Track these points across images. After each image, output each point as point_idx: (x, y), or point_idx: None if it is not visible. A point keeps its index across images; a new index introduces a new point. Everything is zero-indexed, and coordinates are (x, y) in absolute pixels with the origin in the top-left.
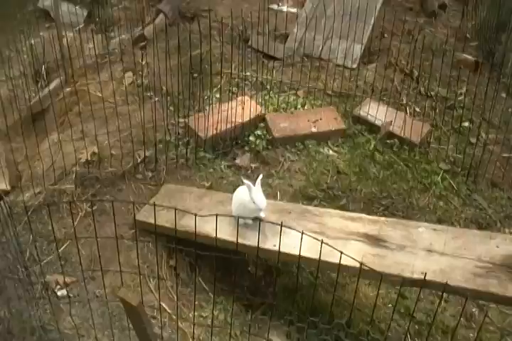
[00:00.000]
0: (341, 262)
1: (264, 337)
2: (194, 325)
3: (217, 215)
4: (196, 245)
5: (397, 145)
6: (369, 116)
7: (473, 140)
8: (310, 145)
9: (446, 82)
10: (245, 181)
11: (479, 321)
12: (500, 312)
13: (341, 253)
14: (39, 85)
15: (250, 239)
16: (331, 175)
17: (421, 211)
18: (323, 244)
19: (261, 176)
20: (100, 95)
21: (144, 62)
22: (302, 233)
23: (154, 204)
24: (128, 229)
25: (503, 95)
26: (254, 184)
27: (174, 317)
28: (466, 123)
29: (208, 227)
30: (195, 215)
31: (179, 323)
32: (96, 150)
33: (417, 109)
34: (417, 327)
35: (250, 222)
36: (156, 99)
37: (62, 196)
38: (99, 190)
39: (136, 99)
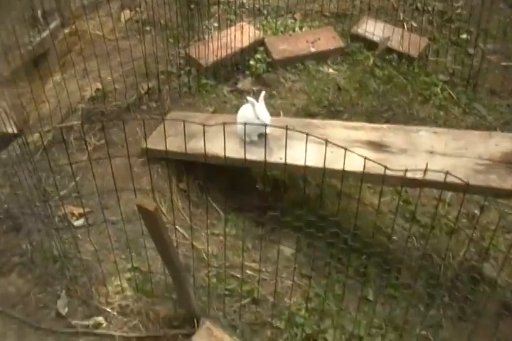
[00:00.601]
0: (346, 168)
1: (275, 248)
2: (208, 241)
3: (224, 124)
4: (205, 168)
5: (396, 59)
6: (367, 34)
7: (471, 51)
8: (310, 65)
9: None
10: (249, 98)
11: (481, 222)
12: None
13: (345, 149)
14: (36, 30)
15: (256, 154)
16: (332, 92)
17: (422, 121)
18: (328, 152)
19: (263, 93)
20: (100, 33)
21: None
22: (307, 135)
23: (164, 121)
24: (137, 159)
25: (502, 6)
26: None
27: (188, 236)
28: (464, 35)
29: (215, 148)
30: (204, 125)
31: (193, 241)
32: (100, 86)
33: (414, 24)
34: (421, 230)
35: (256, 138)
36: (155, 32)
37: (70, 132)
38: (106, 123)
39: (135, 35)
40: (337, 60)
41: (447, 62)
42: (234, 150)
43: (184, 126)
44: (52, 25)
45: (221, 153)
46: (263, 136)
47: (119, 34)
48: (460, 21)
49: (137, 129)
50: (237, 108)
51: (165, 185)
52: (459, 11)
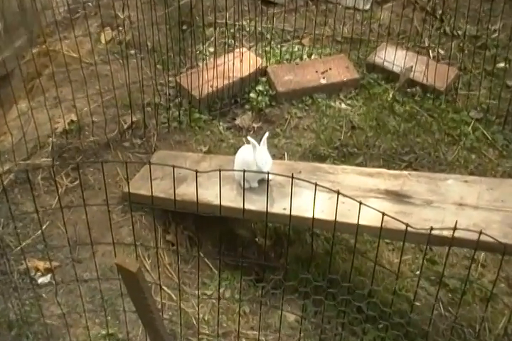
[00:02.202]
0: (360, 222)
1: (277, 313)
2: (199, 304)
3: (220, 170)
4: (195, 218)
5: (420, 93)
6: (386, 63)
7: (510, 83)
8: (319, 99)
9: (476, 18)
10: (250, 139)
11: None
12: None
13: (360, 203)
14: None
15: (256, 204)
16: (345, 131)
17: (450, 166)
18: (340, 203)
19: (267, 134)
20: (76, 55)
21: (124, 15)
22: (316, 185)
23: (150, 164)
24: (117, 205)
25: None
26: (259, 143)
27: (175, 297)
28: (502, 64)
29: (208, 194)
30: (196, 172)
31: (181, 304)
32: (74, 118)
33: (442, 52)
34: (450, 295)
35: (256, 185)
36: (141, 56)
37: (38, 171)
38: (81, 162)
39: (117, 58)
40: (351, 94)
41: (480, 96)
42: (230, 198)
43: (174, 170)
44: (18, 43)
45: (215, 201)
46: (264, 182)
47: (99, 57)
48: (497, 47)
49: (118, 170)
50: (234, 148)
51: (149, 237)
52: (495, 35)
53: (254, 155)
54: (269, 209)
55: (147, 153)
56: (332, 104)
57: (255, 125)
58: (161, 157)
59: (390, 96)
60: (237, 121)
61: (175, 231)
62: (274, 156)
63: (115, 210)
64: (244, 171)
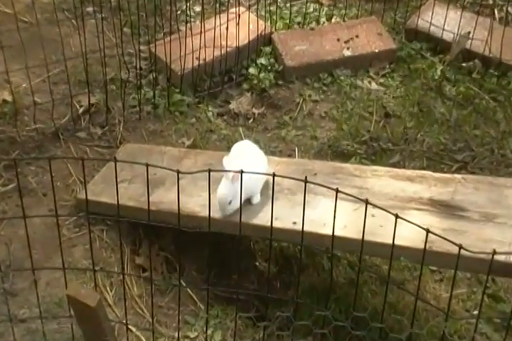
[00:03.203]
0: (396, 242)
1: None
2: None
3: (210, 171)
4: (176, 234)
5: (479, 69)
6: (432, 28)
7: None
8: (342, 77)
9: None
10: (225, 162)
11: None
12: None
13: (396, 217)
14: None
15: (258, 216)
16: (376, 119)
17: None
18: (369, 216)
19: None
20: (10, 11)
21: None
22: (337, 191)
23: (115, 162)
24: (68, 216)
25: None
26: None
27: None
28: None
29: (193, 202)
30: (178, 172)
31: None
32: (8, 97)
33: None
34: None
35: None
36: (102, 16)
37: None
38: (19, 159)
39: (69, 18)
40: (384, 70)
41: None
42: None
43: (147, 169)
44: None
45: (203, 212)
46: (268, 187)
47: (43, 15)
48: None
49: (70, 169)
50: (228, 140)
51: (112, 260)
52: None
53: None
54: (274, 224)
55: (111, 146)
56: (359, 83)
57: (256, 111)
58: (130, 152)
59: (438, 72)
60: (232, 106)
61: (147, 252)
62: (280, 153)
63: (66, 224)
64: (241, 172)
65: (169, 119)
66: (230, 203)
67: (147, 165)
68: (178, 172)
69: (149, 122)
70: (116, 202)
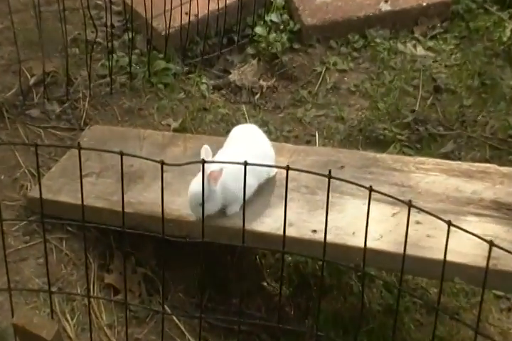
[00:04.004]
0: (449, 258)
1: None
2: None
3: (204, 162)
4: (158, 245)
5: None
6: None
7: None
8: (377, 40)
9: None
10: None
11: None
12: None
13: (449, 224)
14: None
15: (265, 222)
16: (423, 95)
17: None
18: (413, 223)
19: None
20: None
21: None
22: (370, 190)
23: (79, 149)
24: (16, 221)
25: None
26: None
27: None
28: None
29: (180, 203)
30: (162, 164)
31: None
32: None
33: None
34: None
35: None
36: None
37: None
38: None
39: None
40: (435, 30)
41: None
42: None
43: (122, 159)
44: None
45: (193, 217)
46: (279, 184)
47: None
48: None
49: (18, 159)
50: (227, 122)
51: (74, 278)
52: None
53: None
54: (288, 232)
55: (73, 129)
56: (400, 47)
57: (264, 83)
58: (99, 137)
59: (508, 33)
60: (233, 77)
61: (121, 267)
62: (296, 139)
63: (13, 231)
64: (245, 164)
65: (150, 94)
66: (200, 205)
67: (121, 154)
68: (163, 163)
69: (124, 97)
70: (80, 203)
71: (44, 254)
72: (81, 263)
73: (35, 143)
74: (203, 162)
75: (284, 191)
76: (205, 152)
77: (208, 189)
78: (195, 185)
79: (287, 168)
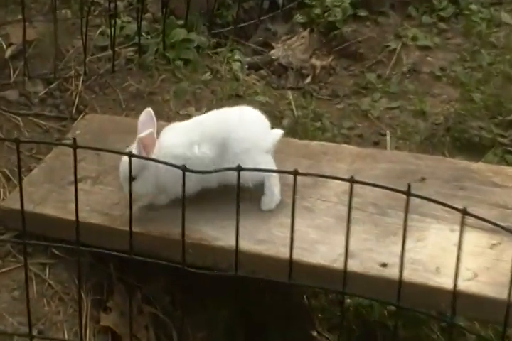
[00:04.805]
0: None
1: None
2: None
3: (239, 170)
4: (173, 276)
5: None
6: None
7: None
8: (473, 6)
9: None
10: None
11: None
12: None
13: None
14: None
15: (318, 251)
16: None
17: None
18: None
19: None
20: None
21: None
22: (464, 214)
23: (74, 148)
24: None
25: None
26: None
27: None
28: None
29: (205, 223)
30: (184, 170)
31: None
32: None
33: None
34: None
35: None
36: None
37: None
38: None
39: None
40: None
41: None
42: (259, 234)
43: (130, 162)
44: None
45: (221, 241)
46: (325, 195)
47: None
48: None
49: None
50: (268, 114)
51: (60, 317)
52: None
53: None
54: (349, 266)
55: (62, 117)
56: (505, 17)
57: (318, 63)
58: (96, 129)
59: None
60: (276, 53)
61: (123, 306)
62: (360, 139)
63: None
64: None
65: (165, 73)
66: (133, 180)
67: (130, 156)
68: (184, 169)
69: (130, 77)
70: (70, 217)
71: (24, 285)
72: (69, 298)
73: (17, 139)
74: None
75: (346, 210)
76: (146, 117)
77: (139, 160)
78: (124, 157)
79: (351, 181)
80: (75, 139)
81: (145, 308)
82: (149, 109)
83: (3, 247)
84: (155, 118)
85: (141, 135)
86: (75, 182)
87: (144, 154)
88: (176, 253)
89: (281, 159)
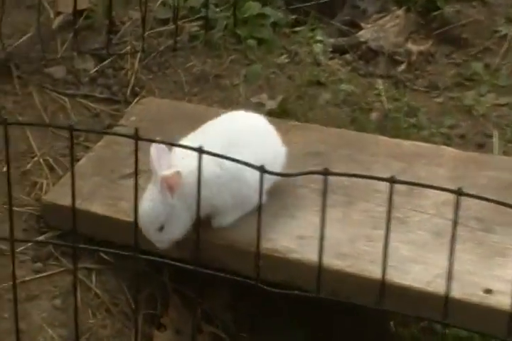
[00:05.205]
0: None
1: None
2: None
3: (326, 174)
4: (238, 290)
5: None
6: None
7: None
8: None
9: None
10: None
11: None
12: None
13: None
14: None
15: (409, 273)
16: None
17: None
18: None
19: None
20: None
21: None
22: None
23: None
24: (25, 240)
25: None
26: None
27: None
28: None
29: (278, 230)
30: (262, 171)
31: None
32: None
33: None
34: None
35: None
36: None
37: None
38: None
39: None
40: None
41: None
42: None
43: (200, 158)
44: None
45: (300, 253)
46: (422, 207)
47: None
48: None
49: (31, 142)
50: (353, 108)
51: (108, 332)
52: None
53: None
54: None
55: (115, 100)
56: None
57: (415, 48)
58: (154, 115)
59: None
60: (366, 34)
61: (180, 322)
62: (462, 140)
63: (17, 252)
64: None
65: (235, 53)
66: (161, 229)
67: (200, 152)
68: (263, 171)
69: (194, 56)
70: (123, 218)
71: (67, 293)
72: (118, 311)
73: (71, 126)
74: None
75: (444, 224)
76: (158, 151)
77: (166, 203)
78: (147, 204)
79: (459, 193)
80: (136, 129)
81: (205, 327)
82: (155, 145)
83: (44, 248)
84: (167, 149)
85: (166, 173)
86: (135, 180)
87: (168, 197)
88: (243, 265)
89: (367, 160)
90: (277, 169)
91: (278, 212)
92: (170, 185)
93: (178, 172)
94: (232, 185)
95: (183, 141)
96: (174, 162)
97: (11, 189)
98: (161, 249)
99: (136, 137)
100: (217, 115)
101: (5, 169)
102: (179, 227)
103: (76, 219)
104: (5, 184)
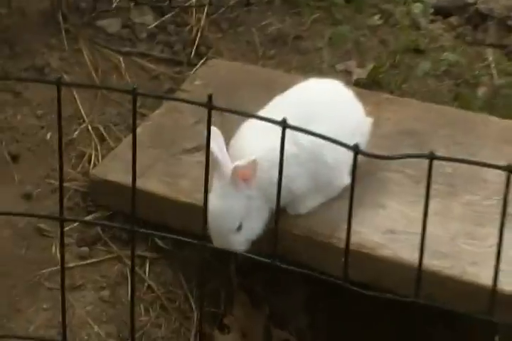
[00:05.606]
0: None
1: None
2: None
3: (432, 158)
4: (307, 285)
5: None
6: None
7: None
8: None
9: None
10: None
11: None
12: None
13: None
14: None
15: None
16: None
17: None
18: None
19: None
20: None
21: None
22: None
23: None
24: (75, 218)
25: None
26: None
27: None
28: None
29: (368, 223)
30: (355, 151)
31: None
32: None
33: None
34: None
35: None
36: None
37: None
38: None
39: None
40: None
41: None
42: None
43: (284, 134)
44: None
45: (397, 254)
46: None
47: None
48: None
49: (78, 105)
50: (456, 81)
51: (162, 332)
52: None
53: None
54: None
55: (176, 61)
56: None
57: None
58: (221, 80)
59: None
60: None
61: (246, 323)
62: None
63: (71, 242)
64: None
65: (318, 12)
66: (239, 229)
67: (284, 126)
68: (357, 150)
69: (270, 13)
70: (187, 200)
71: (116, 283)
72: (174, 308)
73: (134, 90)
74: None
75: None
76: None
77: (242, 199)
78: (217, 203)
79: None
80: (210, 96)
81: (275, 332)
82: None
83: (90, 230)
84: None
85: (240, 163)
86: (207, 154)
87: (243, 188)
88: (322, 260)
89: (473, 144)
90: (360, 146)
91: (364, 199)
92: (246, 176)
93: (254, 161)
94: (310, 165)
95: (249, 121)
96: (244, 145)
97: (58, 161)
98: (240, 252)
99: (210, 105)
100: (296, 83)
101: (49, 136)
102: (259, 222)
103: (127, 198)
104: (48, 154)
